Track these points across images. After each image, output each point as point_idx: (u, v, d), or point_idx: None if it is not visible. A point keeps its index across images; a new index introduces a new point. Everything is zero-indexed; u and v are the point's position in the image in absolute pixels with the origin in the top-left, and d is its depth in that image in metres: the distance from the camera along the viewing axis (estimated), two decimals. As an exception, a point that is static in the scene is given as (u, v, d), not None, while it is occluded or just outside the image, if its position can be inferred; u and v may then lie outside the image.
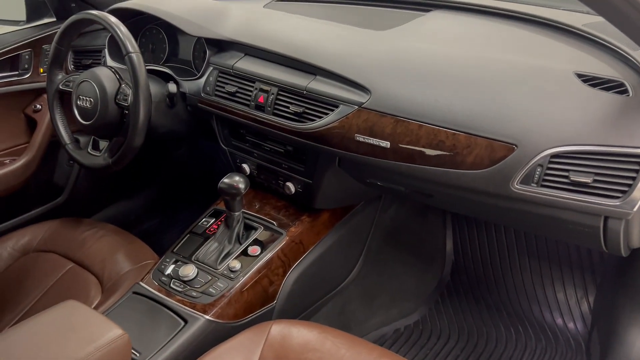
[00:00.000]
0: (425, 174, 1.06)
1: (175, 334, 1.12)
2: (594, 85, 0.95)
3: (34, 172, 1.67)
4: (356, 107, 1.12)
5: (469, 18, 1.26)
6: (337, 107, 1.15)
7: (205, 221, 1.38)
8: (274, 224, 1.33)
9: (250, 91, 1.29)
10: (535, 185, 0.94)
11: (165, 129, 1.50)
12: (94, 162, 1.43)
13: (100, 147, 1.47)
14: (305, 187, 1.31)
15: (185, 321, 1.14)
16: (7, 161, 1.68)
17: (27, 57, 1.64)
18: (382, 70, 1.13)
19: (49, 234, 1.55)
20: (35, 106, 1.69)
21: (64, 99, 1.50)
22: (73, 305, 1.02)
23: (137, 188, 2.03)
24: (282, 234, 1.30)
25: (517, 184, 0.96)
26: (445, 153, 1.02)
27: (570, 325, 1.53)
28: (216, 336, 1.15)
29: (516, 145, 0.95)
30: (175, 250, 1.32)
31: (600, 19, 0.84)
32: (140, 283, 1.25)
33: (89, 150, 1.47)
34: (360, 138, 1.11)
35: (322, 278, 1.42)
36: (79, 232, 1.55)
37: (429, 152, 1.04)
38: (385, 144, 1.09)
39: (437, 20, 1.28)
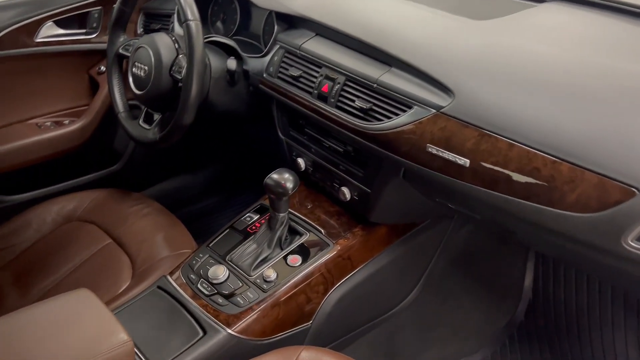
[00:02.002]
0: (510, 206, 0.84)
1: (191, 346, 0.98)
2: None
3: (90, 136, 1.61)
4: (434, 110, 0.91)
5: (595, 15, 1.00)
6: (410, 107, 0.95)
7: (248, 217, 1.24)
8: (321, 232, 1.15)
9: (315, 77, 1.12)
10: (658, 246, 0.70)
11: (224, 107, 1.36)
12: (142, 135, 1.32)
13: (154, 120, 1.36)
14: (362, 196, 1.12)
15: (205, 332, 1.01)
16: (67, 122, 1.62)
17: (96, 15, 1.56)
18: (473, 69, 0.91)
19: (95, 204, 1.48)
20: (100, 68, 1.61)
21: (124, 63, 1.40)
22: (85, 296, 0.92)
23: (198, 164, 1.93)
24: (329, 245, 1.12)
25: (631, 240, 0.72)
26: (539, 184, 0.80)
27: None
28: (237, 354, 1.01)
29: (638, 190, 0.71)
30: (210, 245, 1.18)
31: None
32: (167, 277, 1.13)
33: (140, 122, 1.36)
34: (432, 150, 0.90)
35: (371, 301, 1.23)
36: (124, 206, 1.46)
37: (519, 179, 0.82)
38: (464, 161, 0.87)
39: (553, 15, 1.03)
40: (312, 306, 1.11)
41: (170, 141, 1.24)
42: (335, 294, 1.13)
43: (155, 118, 1.35)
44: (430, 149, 0.91)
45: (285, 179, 1.06)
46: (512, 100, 0.84)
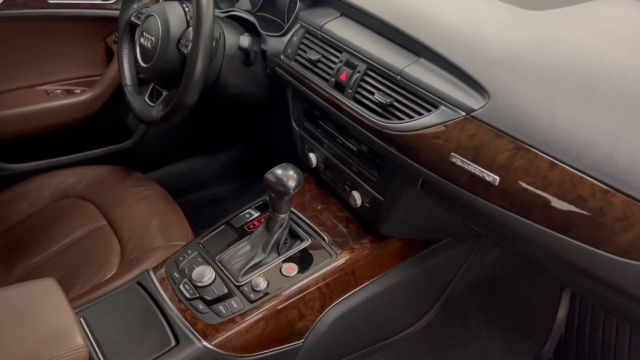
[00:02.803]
0: (543, 239, 0.68)
1: (159, 356, 0.87)
2: None
3: (100, 108, 1.51)
4: (463, 113, 0.76)
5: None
6: (436, 107, 0.80)
7: (248, 213, 1.11)
8: (325, 240, 1.01)
9: (334, 63, 0.97)
10: None
11: (237, 90, 1.23)
12: (145, 112, 1.21)
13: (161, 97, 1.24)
14: (374, 204, 0.98)
15: (178, 341, 0.89)
16: (78, 91, 1.53)
17: (114, -23, 1.45)
18: (516, 68, 0.74)
19: (96, 181, 1.39)
20: (115, 37, 1.50)
21: (136, 33, 1.29)
22: (49, 288, 0.85)
23: (214, 148, 1.82)
24: (331, 255, 0.99)
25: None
26: (584, 216, 0.63)
27: None
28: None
29: None
30: (202, 241, 1.06)
31: None
32: (150, 273, 1.02)
33: (145, 97, 1.25)
34: (457, 160, 0.75)
35: (374, 323, 1.09)
36: (124, 186, 1.36)
37: (558, 207, 0.66)
38: (493, 178, 0.71)
39: (623, 10, 0.85)
40: (305, 324, 0.97)
41: (172, 122, 1.12)
42: (333, 312, 1.00)
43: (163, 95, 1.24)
44: (454, 159, 0.75)
45: (288, 176, 0.93)
46: (561, 109, 0.68)
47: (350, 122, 0.93)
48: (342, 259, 0.98)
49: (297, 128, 1.16)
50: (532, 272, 1.27)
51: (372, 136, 0.89)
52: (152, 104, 1.21)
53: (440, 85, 0.80)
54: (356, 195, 1.00)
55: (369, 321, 1.06)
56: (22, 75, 1.47)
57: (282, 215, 0.99)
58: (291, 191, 0.93)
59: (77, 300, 1.03)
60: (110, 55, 1.54)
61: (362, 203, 1.00)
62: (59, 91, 1.51)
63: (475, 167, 0.73)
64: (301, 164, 1.04)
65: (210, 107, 1.61)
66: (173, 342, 0.88)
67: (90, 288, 1.10)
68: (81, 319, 0.93)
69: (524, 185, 0.69)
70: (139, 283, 1.00)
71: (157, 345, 0.88)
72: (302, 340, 0.98)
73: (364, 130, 0.90)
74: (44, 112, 1.45)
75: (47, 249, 1.24)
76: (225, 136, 1.81)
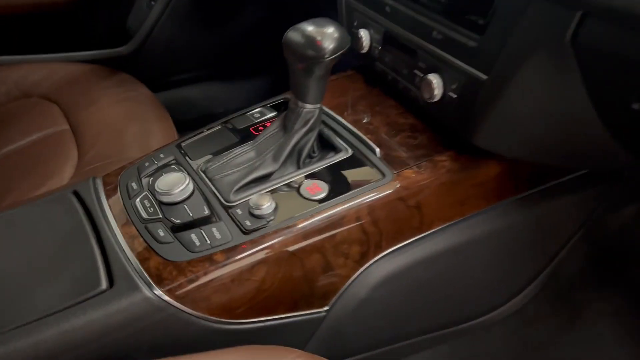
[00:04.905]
0: None
1: (74, 305, 0.50)
2: None
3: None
4: None
5: None
6: None
7: (258, 112, 0.73)
8: (375, 152, 0.62)
9: None
10: None
11: None
12: None
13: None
14: (467, 91, 0.57)
15: (111, 283, 0.52)
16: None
17: None
18: None
19: (66, 80, 1.04)
20: None
21: None
22: None
23: (241, 71, 1.44)
24: (384, 175, 0.59)
25: None
26: None
27: None
28: (166, 337, 0.52)
29: None
30: (184, 143, 0.69)
31: None
32: (95, 180, 0.65)
33: None
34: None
35: (440, 296, 0.69)
36: (101, 86, 1.01)
37: None
38: None
39: None
40: (333, 280, 0.59)
41: None
42: (379, 267, 0.61)
43: None
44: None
45: (323, 33, 0.55)
46: None
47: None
48: (401, 181, 0.59)
49: (343, -5, 0.77)
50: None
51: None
52: None
53: None
54: (435, 81, 0.60)
55: (433, 292, 0.67)
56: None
57: (309, 106, 0.60)
58: (328, 55, 0.55)
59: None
60: None
61: (445, 93, 0.60)
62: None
63: None
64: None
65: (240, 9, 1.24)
66: (103, 284, 0.51)
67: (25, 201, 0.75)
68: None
69: None
70: (75, 193, 0.63)
71: (75, 286, 0.51)
72: (327, 309, 0.60)
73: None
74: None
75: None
76: (254, 56, 1.42)
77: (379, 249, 0.60)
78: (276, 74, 1.47)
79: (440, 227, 0.62)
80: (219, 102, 1.45)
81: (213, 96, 1.45)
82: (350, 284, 0.60)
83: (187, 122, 1.23)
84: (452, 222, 0.63)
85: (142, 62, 1.28)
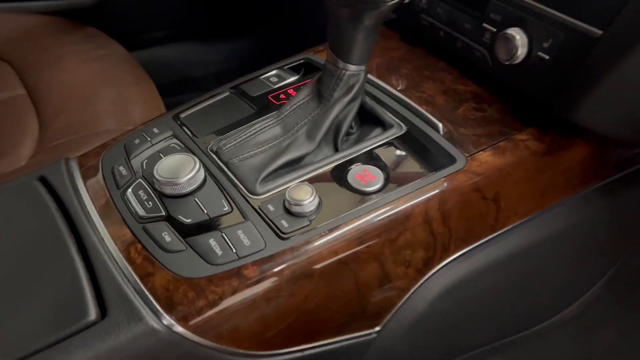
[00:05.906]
0: None
1: (55, 342, 0.35)
2: None
3: None
4: None
5: None
6: None
7: (275, 76, 0.58)
8: (437, 130, 0.48)
9: None
10: None
11: None
12: None
13: None
14: (567, 51, 0.44)
15: (103, 312, 0.37)
16: None
17: None
18: None
19: (20, 33, 0.85)
20: None
21: None
22: None
23: (222, 29, 1.26)
24: (453, 160, 0.46)
25: None
26: None
27: None
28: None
29: None
30: (183, 115, 0.54)
31: None
32: (68, 162, 0.49)
33: None
34: None
35: (506, 304, 0.57)
36: (64, 42, 0.83)
37: None
38: None
39: None
40: (390, 295, 0.46)
41: None
42: (443, 276, 0.48)
43: None
44: None
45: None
46: None
47: None
48: (477, 168, 0.46)
49: None
50: None
51: None
52: None
53: None
54: (518, 36, 0.46)
55: (497, 301, 0.55)
56: None
57: (353, 67, 0.46)
58: (391, -1, 0.40)
59: None
60: None
61: (531, 53, 0.46)
62: None
63: None
64: None
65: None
66: (92, 314, 0.37)
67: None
68: None
69: None
70: (42, 179, 0.47)
71: (51, 316, 0.36)
72: (377, 329, 0.47)
73: None
74: None
75: None
76: (237, 13, 1.24)
77: (445, 253, 0.47)
78: (260, 31, 1.30)
79: (515, 224, 0.50)
80: (197, 64, 1.28)
81: (190, 57, 1.27)
82: (408, 297, 0.47)
83: (163, 86, 1.06)
84: (529, 218, 0.51)
85: (111, 13, 1.09)
